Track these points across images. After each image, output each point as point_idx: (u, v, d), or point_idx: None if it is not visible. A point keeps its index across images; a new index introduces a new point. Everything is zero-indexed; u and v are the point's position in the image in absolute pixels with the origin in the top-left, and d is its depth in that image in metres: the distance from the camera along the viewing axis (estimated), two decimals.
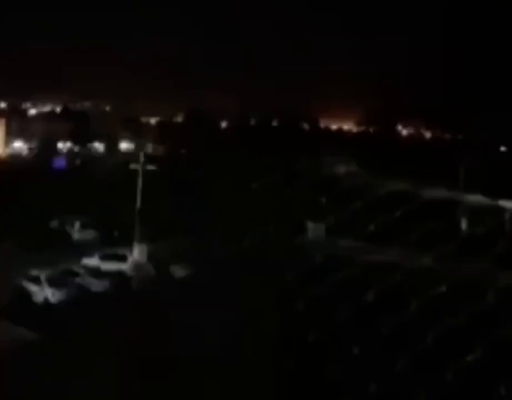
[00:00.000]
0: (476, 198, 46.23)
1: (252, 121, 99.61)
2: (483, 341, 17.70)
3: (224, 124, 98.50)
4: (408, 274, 21.34)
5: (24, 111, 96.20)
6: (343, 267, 20.69)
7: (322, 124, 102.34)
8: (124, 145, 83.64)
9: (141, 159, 39.62)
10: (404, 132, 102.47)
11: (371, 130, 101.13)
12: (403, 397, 17.01)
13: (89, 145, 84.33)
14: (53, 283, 29.24)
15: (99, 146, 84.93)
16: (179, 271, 33.12)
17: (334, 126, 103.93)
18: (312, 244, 36.05)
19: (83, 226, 40.55)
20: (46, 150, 75.40)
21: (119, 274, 32.59)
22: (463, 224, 49.70)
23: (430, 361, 18.16)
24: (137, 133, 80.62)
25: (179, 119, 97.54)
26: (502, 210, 42.24)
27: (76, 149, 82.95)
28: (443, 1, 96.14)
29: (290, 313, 20.62)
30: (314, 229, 40.93)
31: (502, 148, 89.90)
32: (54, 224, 40.79)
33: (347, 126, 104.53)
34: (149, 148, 76.70)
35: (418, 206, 27.00)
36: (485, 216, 41.01)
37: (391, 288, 20.23)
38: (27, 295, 28.51)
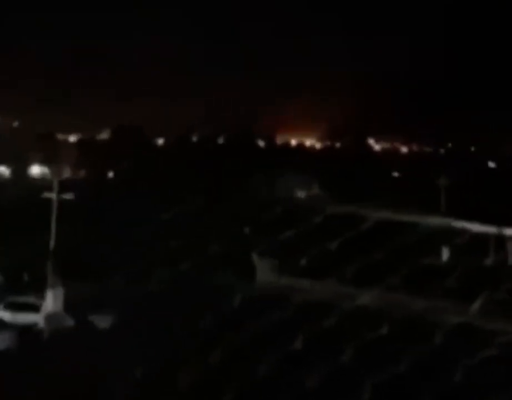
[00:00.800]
0: (440, 221, 48.47)
1: (196, 138, 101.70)
2: (430, 391, 19.01)
3: (160, 141, 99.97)
4: (345, 315, 22.74)
5: None
6: (270, 309, 21.95)
7: (280, 139, 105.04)
8: (36, 169, 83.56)
9: (56, 186, 40.31)
10: (377, 147, 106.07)
11: (337, 145, 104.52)
12: None
13: None
14: None
15: (4, 170, 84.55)
16: (100, 321, 33.81)
17: (294, 142, 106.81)
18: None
19: None
20: None
21: (28, 327, 33.03)
22: (445, 253, 51.73)
23: None
24: (53, 153, 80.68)
25: (104, 136, 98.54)
26: (466, 233, 44.27)
27: None
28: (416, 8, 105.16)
29: (204, 367, 21.74)
30: (261, 266, 42.15)
31: (491, 164, 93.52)
32: None
33: (309, 142, 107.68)
34: (67, 171, 76.95)
35: (365, 232, 28.71)
36: (444, 240, 43.08)
37: (324, 332, 21.55)
38: None
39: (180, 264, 32.95)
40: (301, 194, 74.15)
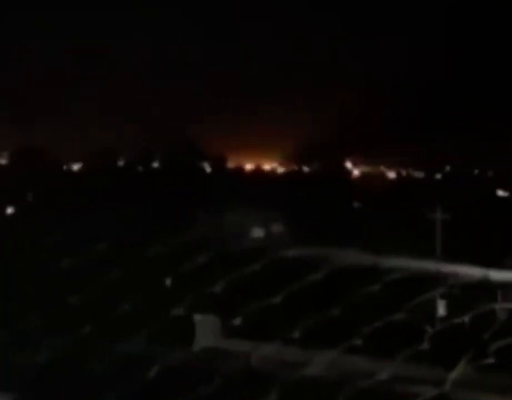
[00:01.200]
0: (431, 265, 48.98)
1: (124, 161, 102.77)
2: None
3: (76, 167, 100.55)
4: (290, 386, 22.71)
5: None
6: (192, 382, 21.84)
7: (232, 162, 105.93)
8: None
9: None
10: (356, 172, 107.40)
11: (305, 169, 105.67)
12: None
13: None
14: None
15: None
16: None
17: (250, 166, 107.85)
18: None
19: None
20: None
21: None
22: (440, 307, 51.99)
23: None
24: None
25: (2, 161, 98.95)
26: (466, 280, 44.77)
27: None
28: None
29: None
30: (202, 327, 42.06)
31: (501, 192, 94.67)
32: None
33: (269, 165, 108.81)
34: None
35: (327, 280, 28.67)
36: (438, 290, 43.36)
37: None
38: None
39: (81, 327, 32.63)
40: (258, 232, 73.80)
